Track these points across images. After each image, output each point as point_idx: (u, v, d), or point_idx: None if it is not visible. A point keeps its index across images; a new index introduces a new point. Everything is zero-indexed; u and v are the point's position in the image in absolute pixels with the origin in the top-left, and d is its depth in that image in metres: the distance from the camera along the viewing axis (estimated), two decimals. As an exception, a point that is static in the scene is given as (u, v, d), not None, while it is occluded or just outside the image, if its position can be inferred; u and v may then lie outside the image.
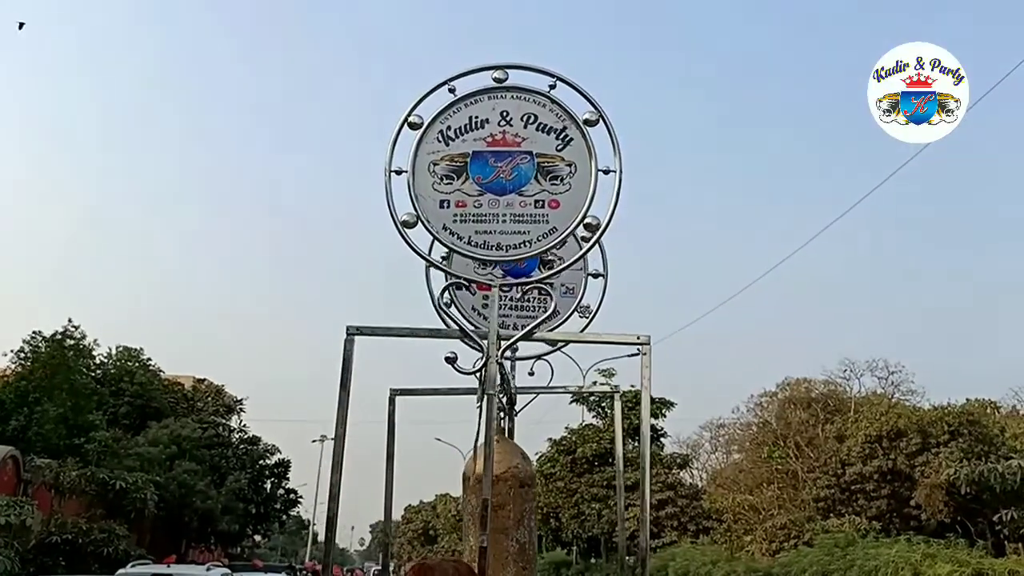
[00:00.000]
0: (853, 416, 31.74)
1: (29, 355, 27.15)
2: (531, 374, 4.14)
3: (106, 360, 34.02)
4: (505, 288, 3.81)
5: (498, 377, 3.55)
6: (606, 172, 3.63)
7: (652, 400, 26.81)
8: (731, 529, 28.73)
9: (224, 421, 40.35)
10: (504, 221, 3.60)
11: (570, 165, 3.62)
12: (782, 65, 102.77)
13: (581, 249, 3.95)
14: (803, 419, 35.70)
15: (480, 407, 3.61)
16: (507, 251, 3.55)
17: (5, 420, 24.16)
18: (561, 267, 4.00)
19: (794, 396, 39.53)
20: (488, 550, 3.51)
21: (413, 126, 3.64)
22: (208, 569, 16.54)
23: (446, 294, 4.00)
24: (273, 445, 40.41)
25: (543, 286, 3.86)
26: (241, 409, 43.25)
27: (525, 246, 3.53)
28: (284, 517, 43.99)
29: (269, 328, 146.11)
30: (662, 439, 37.02)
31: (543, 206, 3.60)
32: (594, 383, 37.56)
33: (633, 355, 25.05)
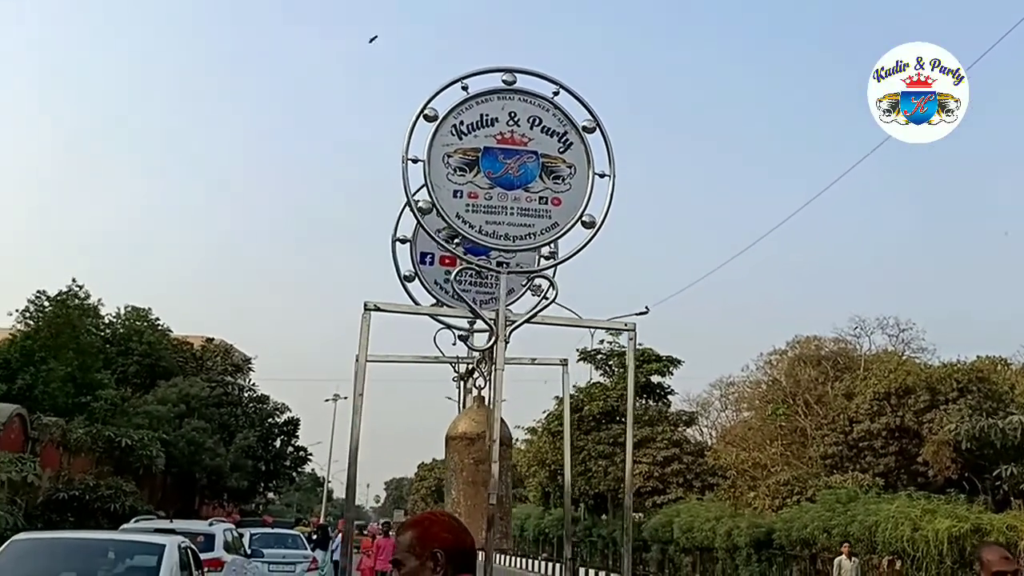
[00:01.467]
0: (863, 374, 31.59)
1: (34, 314, 27.30)
2: (506, 342, 4.15)
3: (115, 320, 34.21)
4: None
5: (502, 354, 3.76)
6: (602, 176, 4.01)
7: (659, 358, 26.82)
8: (735, 485, 28.77)
9: (233, 380, 40.64)
10: (512, 214, 3.93)
11: (570, 167, 3.99)
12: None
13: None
14: (813, 377, 35.57)
15: (459, 386, 4.12)
16: (514, 241, 3.87)
17: (11, 379, 24.33)
18: (560, 260, 4.30)
19: (804, 354, 39.37)
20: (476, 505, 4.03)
21: (428, 118, 3.89)
22: (211, 524, 16.72)
23: (404, 269, 4.48)
24: (283, 404, 40.74)
25: (544, 275, 4.19)
26: (250, 368, 43.58)
27: (530, 238, 3.88)
28: (294, 474, 44.47)
29: (281, 289, 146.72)
30: (669, 396, 36.98)
31: (547, 203, 3.96)
32: (602, 341, 37.68)
33: (641, 313, 24.81)
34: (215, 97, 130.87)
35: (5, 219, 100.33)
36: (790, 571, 20.22)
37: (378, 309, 3.96)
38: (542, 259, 4.21)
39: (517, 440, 53.80)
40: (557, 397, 37.56)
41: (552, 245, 4.17)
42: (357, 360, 4.08)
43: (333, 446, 49.79)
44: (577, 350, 37.93)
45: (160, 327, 35.50)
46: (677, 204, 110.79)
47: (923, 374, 28.28)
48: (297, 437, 40.71)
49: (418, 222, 4.07)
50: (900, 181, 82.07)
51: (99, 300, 29.85)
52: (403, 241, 4.28)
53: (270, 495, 57.73)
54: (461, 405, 4.45)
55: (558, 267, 4.24)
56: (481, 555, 3.15)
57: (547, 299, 4.28)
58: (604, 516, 35.64)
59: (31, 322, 27.38)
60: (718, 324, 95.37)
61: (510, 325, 3.87)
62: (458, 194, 3.87)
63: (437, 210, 3.86)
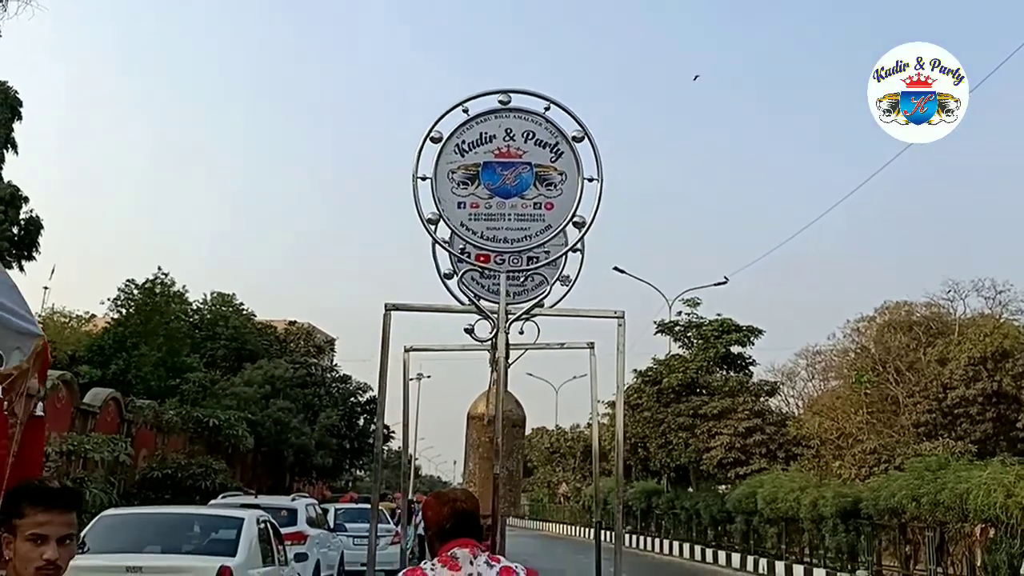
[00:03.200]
0: (957, 338, 30.34)
1: (125, 302, 28.50)
2: (521, 332, 4.71)
3: (201, 306, 35.48)
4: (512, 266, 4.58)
5: (506, 345, 4.25)
6: (590, 180, 4.40)
7: (739, 328, 26.36)
8: (820, 455, 28.10)
9: (316, 361, 41.65)
10: (509, 219, 4.39)
11: (561, 174, 4.40)
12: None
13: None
14: (903, 343, 34.36)
15: (492, 367, 4.46)
16: (512, 244, 4.33)
17: (106, 364, 25.50)
18: (551, 259, 4.77)
19: (894, 320, 38.02)
20: (497, 477, 4.22)
21: (434, 140, 4.40)
22: (293, 499, 17.23)
23: (445, 266, 4.79)
24: (365, 383, 41.54)
25: (541, 273, 4.75)
26: (332, 349, 44.58)
27: (526, 240, 4.32)
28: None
29: (360, 267, 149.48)
30: (750, 367, 36.26)
31: (540, 207, 4.39)
32: (679, 313, 37.14)
33: (720, 283, 24.51)
34: (301, 94, 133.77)
35: (104, 214, 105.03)
36: (879, 541, 19.61)
37: (396, 308, 4.45)
38: (543, 254, 4.64)
39: (598, 414, 53.78)
40: (636, 370, 37.37)
41: (549, 244, 4.58)
42: (382, 352, 4.51)
43: (419, 425, 50.66)
44: (655, 322, 37.53)
45: (244, 312, 36.63)
46: (759, 170, 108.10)
47: (1022, 337, 27.06)
48: (380, 415, 41.54)
49: (428, 232, 4.53)
50: (988, 134, 78.04)
51: (184, 287, 31.01)
52: (432, 221, 4.55)
53: (358, 472, 59.18)
54: (492, 385, 4.71)
55: (565, 258, 4.79)
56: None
57: (549, 294, 4.83)
58: (690, 489, 35.32)
59: (122, 310, 28.60)
60: (803, 293, 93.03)
61: (509, 316, 4.35)
62: (462, 205, 4.36)
63: (443, 220, 4.32)
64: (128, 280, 29.14)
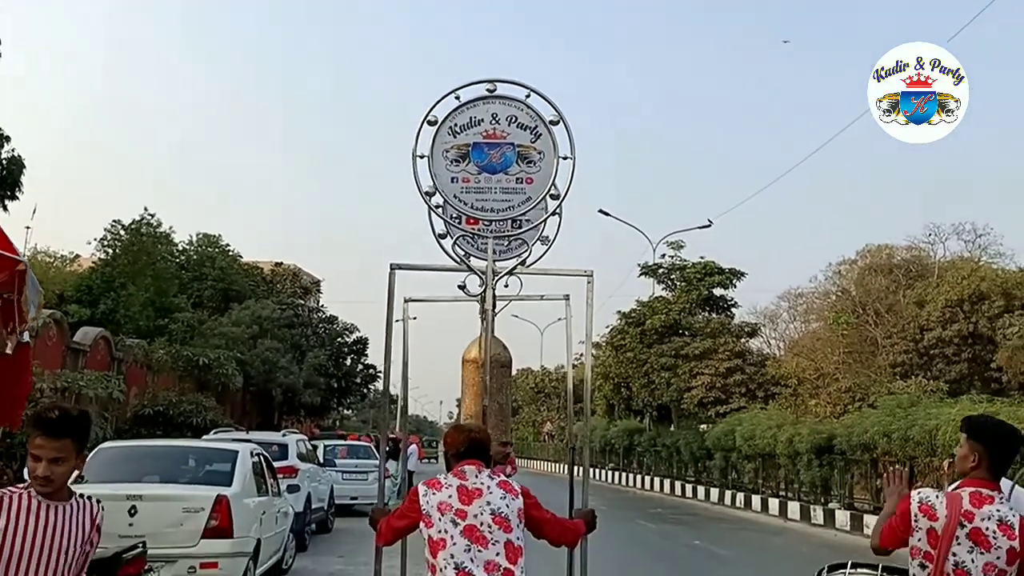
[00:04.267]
0: (935, 281, 30.87)
1: (111, 243, 28.47)
2: (506, 286, 5.33)
3: (188, 247, 35.43)
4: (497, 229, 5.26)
5: (493, 299, 4.99)
6: (565, 158, 5.03)
7: (721, 270, 26.93)
8: (797, 393, 28.77)
9: (303, 302, 41.85)
10: (495, 193, 5.05)
11: (540, 153, 5.05)
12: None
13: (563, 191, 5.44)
14: (883, 286, 34.91)
15: (482, 317, 5.08)
16: (498, 213, 5.03)
17: (94, 304, 25.60)
18: (530, 227, 5.35)
19: (875, 263, 38.53)
20: (488, 409, 5.01)
21: (431, 123, 5.02)
22: (284, 435, 17.59)
23: (440, 228, 5.46)
24: (351, 324, 41.85)
25: (522, 237, 5.36)
26: (318, 291, 44.76)
27: (510, 209, 5.02)
28: (365, 391, 45.93)
29: (346, 210, 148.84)
30: (732, 309, 36.81)
31: (522, 182, 5.05)
32: (663, 256, 37.47)
33: (704, 226, 24.99)
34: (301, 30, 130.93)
35: (90, 154, 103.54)
36: (851, 475, 20.33)
37: (400, 268, 5.03)
38: (524, 222, 5.27)
39: (582, 355, 54.51)
40: (620, 312, 37.85)
41: (530, 212, 5.24)
42: (388, 309, 5.10)
43: (404, 366, 51.01)
44: (639, 264, 37.88)
45: (231, 253, 36.61)
46: (742, 112, 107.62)
47: (999, 279, 27.57)
48: (366, 356, 41.94)
49: (429, 206, 5.20)
50: (971, 78, 77.72)
51: (171, 228, 30.96)
52: (430, 194, 5.18)
53: (345, 411, 59.87)
54: (482, 333, 5.31)
55: (545, 224, 5.45)
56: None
57: (531, 254, 5.48)
58: (671, 427, 36.11)
59: (109, 250, 28.57)
60: (786, 235, 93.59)
61: (496, 275, 5.06)
62: (455, 180, 5.01)
63: (439, 193, 5.01)
64: (114, 220, 29.09)
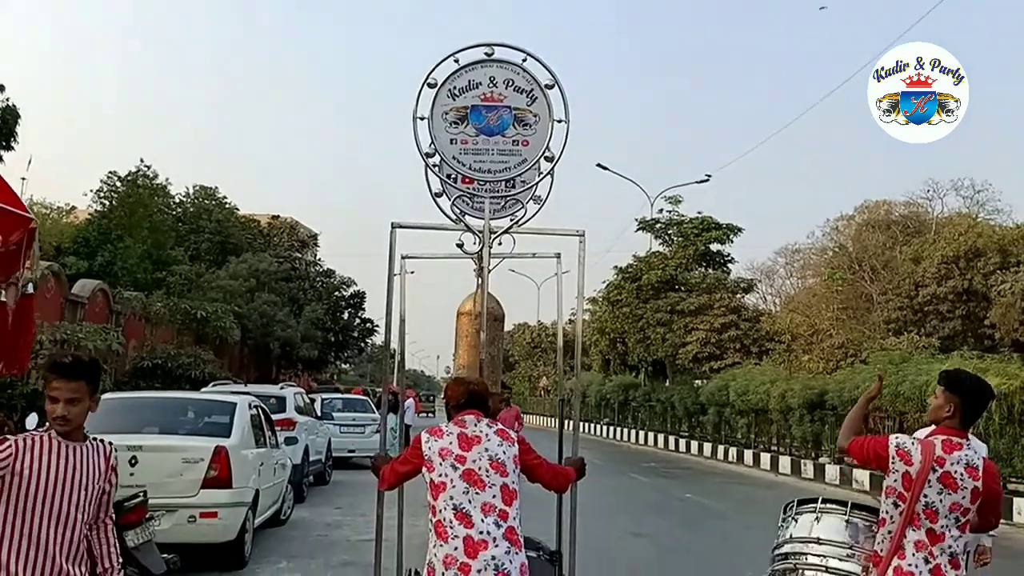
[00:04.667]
0: (932, 237, 30.87)
1: (108, 194, 28.38)
2: (500, 244, 5.45)
3: (184, 199, 35.31)
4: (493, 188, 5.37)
5: (488, 256, 5.22)
6: (560, 121, 5.17)
7: (719, 226, 26.98)
8: (790, 349, 28.97)
9: (300, 255, 41.87)
10: (492, 154, 5.19)
11: (536, 116, 5.18)
12: None
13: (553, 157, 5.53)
14: (880, 242, 34.91)
15: (476, 274, 5.33)
16: (495, 174, 5.17)
17: (92, 256, 25.61)
18: (525, 188, 5.42)
19: (872, 219, 38.46)
20: (485, 360, 5.30)
21: (431, 86, 5.12)
22: (281, 388, 17.76)
23: (436, 187, 5.50)
24: (349, 278, 41.91)
25: (518, 198, 5.44)
26: (315, 244, 44.71)
27: (506, 171, 5.17)
28: (363, 345, 46.18)
29: (346, 164, 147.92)
30: (729, 265, 36.89)
31: (518, 144, 5.19)
32: (661, 211, 37.44)
33: (702, 181, 25.10)
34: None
35: (86, 105, 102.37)
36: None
37: (401, 227, 5.19)
38: (520, 182, 5.40)
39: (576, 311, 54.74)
40: (617, 267, 37.95)
41: (527, 173, 5.37)
42: (389, 268, 5.31)
43: (403, 320, 51.11)
44: (636, 219, 37.87)
45: (228, 205, 36.51)
46: (743, 69, 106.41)
47: (995, 236, 27.55)
48: (364, 310, 42.07)
49: (425, 163, 5.30)
50: (971, 32, 76.95)
51: (167, 180, 30.84)
52: (430, 155, 5.30)
53: (343, 365, 60.23)
54: (478, 288, 5.57)
55: (538, 186, 5.50)
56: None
57: (526, 213, 5.54)
58: (666, 382, 36.42)
59: (105, 202, 28.50)
60: (785, 191, 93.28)
61: (493, 233, 5.26)
62: (453, 141, 5.15)
63: (439, 153, 5.16)
64: (111, 172, 28.97)
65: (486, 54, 5.19)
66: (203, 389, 15.97)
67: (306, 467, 14.50)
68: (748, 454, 24.95)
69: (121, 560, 3.47)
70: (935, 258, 27.51)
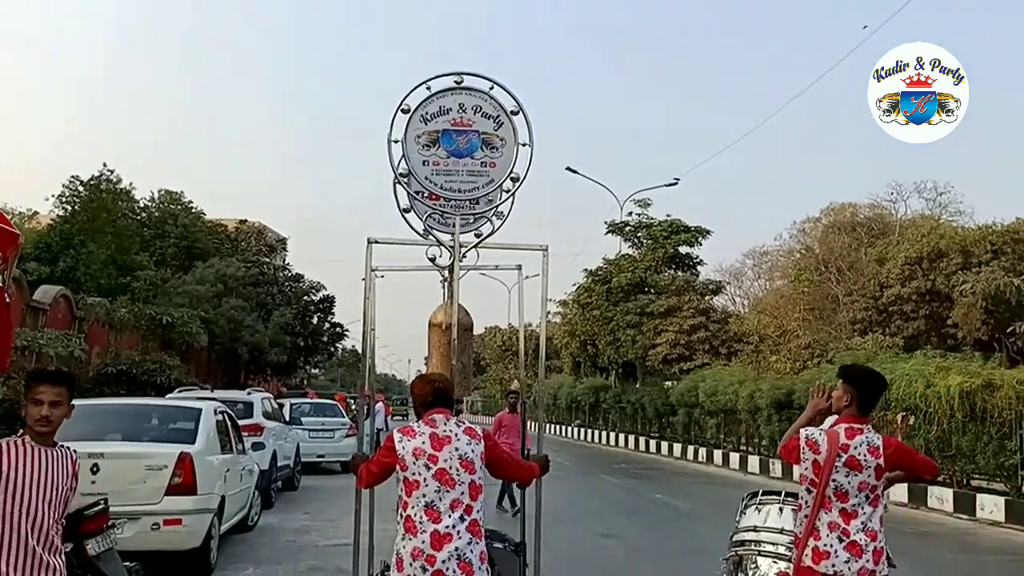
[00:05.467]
0: (896, 239, 31.37)
1: (70, 199, 27.91)
2: (464, 257, 5.79)
3: (149, 204, 34.82)
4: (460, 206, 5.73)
5: (458, 269, 5.60)
6: (524, 145, 5.54)
7: (687, 228, 27.35)
8: (759, 350, 29.22)
9: (268, 260, 41.49)
10: (462, 175, 5.54)
11: (502, 140, 5.54)
12: None
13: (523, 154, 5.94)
14: (846, 244, 35.45)
15: (444, 286, 5.74)
16: (464, 193, 5.53)
17: (54, 262, 25.16)
18: (493, 206, 5.75)
19: (838, 221, 39.07)
20: (455, 369, 5.60)
21: (404, 111, 5.48)
22: (249, 393, 17.55)
23: (404, 203, 5.85)
24: (318, 282, 41.61)
25: (485, 215, 5.78)
26: (284, 248, 44.35)
27: (475, 190, 5.53)
28: (332, 349, 45.88)
29: (311, 166, 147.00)
30: (698, 267, 37.17)
31: (486, 166, 5.55)
32: (630, 214, 37.65)
33: (671, 184, 25.43)
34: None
35: (43, 109, 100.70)
36: (809, 429, 20.79)
37: (377, 242, 5.56)
38: (486, 201, 5.74)
39: (550, 313, 54.81)
40: (587, 269, 38.09)
41: (494, 192, 5.73)
42: (366, 282, 5.62)
43: (372, 325, 50.92)
44: (605, 222, 38.04)
45: (194, 210, 36.07)
46: (709, 71, 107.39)
47: (957, 237, 28.04)
48: (333, 314, 41.79)
49: (401, 184, 5.68)
50: (937, 32, 78.33)
51: (131, 184, 30.39)
52: (404, 175, 5.67)
53: (312, 370, 59.78)
54: (447, 300, 5.93)
55: (503, 202, 5.81)
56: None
57: (493, 229, 5.87)
58: (636, 383, 36.57)
59: (67, 207, 28.02)
60: (753, 194, 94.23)
61: (463, 248, 5.63)
62: (426, 163, 5.51)
63: (412, 175, 5.53)
64: (72, 176, 28.45)
65: (455, 82, 5.55)
66: (168, 395, 15.73)
67: (274, 472, 14.34)
68: (717, 454, 25.12)
69: (79, 571, 3.68)
70: (899, 259, 27.95)
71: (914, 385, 14.86)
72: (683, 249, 35.99)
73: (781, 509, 5.04)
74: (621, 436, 34.58)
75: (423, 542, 3.83)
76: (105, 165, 28.96)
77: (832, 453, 4.02)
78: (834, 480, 4.01)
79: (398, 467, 3.97)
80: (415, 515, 3.88)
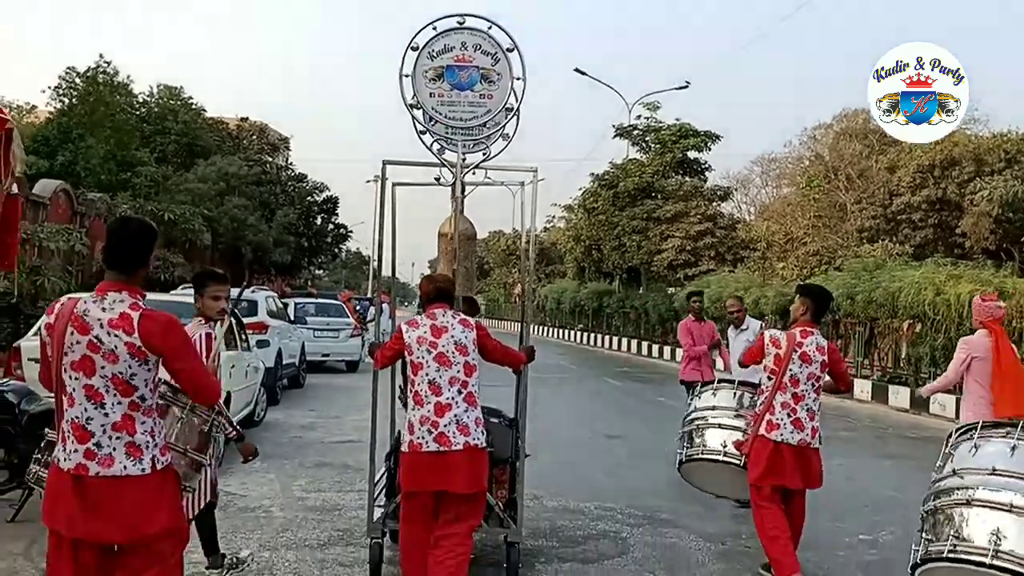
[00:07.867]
0: (908, 147, 30.73)
1: (67, 91, 27.23)
2: (473, 174, 6.38)
3: (148, 99, 34.02)
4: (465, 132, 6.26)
5: (461, 187, 6.22)
6: (518, 79, 6.06)
7: (696, 133, 26.84)
8: (765, 257, 29.05)
9: (270, 159, 40.83)
10: (464, 106, 6.11)
11: (499, 74, 6.08)
12: None
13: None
14: (857, 151, 34.75)
15: (452, 203, 6.24)
16: (465, 122, 6.09)
17: (52, 156, 24.72)
18: (492, 131, 6.24)
19: (850, 128, 38.15)
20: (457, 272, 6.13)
21: (413, 49, 6.01)
22: (253, 291, 17.49)
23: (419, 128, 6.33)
24: (322, 183, 41.09)
25: (483, 141, 6.28)
26: (287, 148, 43.65)
27: (475, 119, 6.10)
28: (336, 251, 45.67)
29: (317, 62, 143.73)
30: (706, 173, 36.60)
31: (484, 98, 6.12)
32: (639, 117, 36.85)
33: (681, 87, 24.63)
34: None
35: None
36: (813, 335, 20.83)
37: (392, 163, 6.12)
38: (490, 125, 6.25)
39: (554, 217, 54.39)
40: (593, 173, 37.57)
41: (498, 116, 6.22)
42: (381, 202, 6.16)
43: (376, 226, 50.66)
44: (613, 126, 37.27)
45: (194, 106, 35.28)
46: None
47: (971, 145, 27.45)
48: (337, 215, 41.42)
49: (409, 112, 6.15)
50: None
51: (128, 77, 29.59)
52: (414, 106, 6.14)
53: (317, 271, 59.85)
54: (453, 212, 6.46)
55: (506, 127, 6.33)
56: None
57: (495, 150, 6.36)
58: (640, 289, 36.55)
59: (64, 100, 27.38)
60: (764, 100, 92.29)
61: (466, 167, 6.18)
62: (432, 95, 6.10)
63: (421, 105, 6.09)
64: (69, 68, 27.65)
65: (458, 23, 6.16)
66: (172, 292, 15.69)
67: (279, 370, 14.41)
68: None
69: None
70: (911, 167, 27.45)
71: (923, 293, 14.72)
72: (692, 154, 35.36)
73: (734, 393, 6.07)
74: (624, 341, 34.78)
75: (429, 410, 4.60)
76: (101, 56, 28.08)
77: (789, 348, 5.27)
78: (790, 370, 5.24)
79: (405, 352, 4.73)
80: (421, 390, 4.64)
